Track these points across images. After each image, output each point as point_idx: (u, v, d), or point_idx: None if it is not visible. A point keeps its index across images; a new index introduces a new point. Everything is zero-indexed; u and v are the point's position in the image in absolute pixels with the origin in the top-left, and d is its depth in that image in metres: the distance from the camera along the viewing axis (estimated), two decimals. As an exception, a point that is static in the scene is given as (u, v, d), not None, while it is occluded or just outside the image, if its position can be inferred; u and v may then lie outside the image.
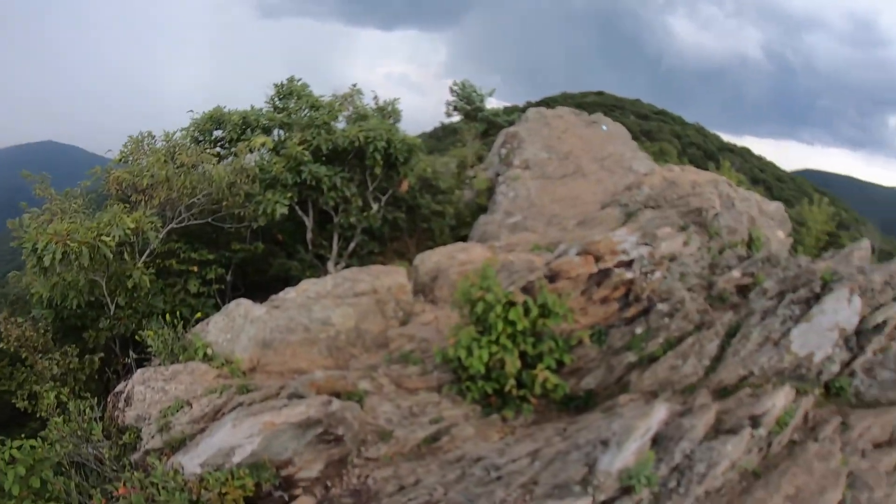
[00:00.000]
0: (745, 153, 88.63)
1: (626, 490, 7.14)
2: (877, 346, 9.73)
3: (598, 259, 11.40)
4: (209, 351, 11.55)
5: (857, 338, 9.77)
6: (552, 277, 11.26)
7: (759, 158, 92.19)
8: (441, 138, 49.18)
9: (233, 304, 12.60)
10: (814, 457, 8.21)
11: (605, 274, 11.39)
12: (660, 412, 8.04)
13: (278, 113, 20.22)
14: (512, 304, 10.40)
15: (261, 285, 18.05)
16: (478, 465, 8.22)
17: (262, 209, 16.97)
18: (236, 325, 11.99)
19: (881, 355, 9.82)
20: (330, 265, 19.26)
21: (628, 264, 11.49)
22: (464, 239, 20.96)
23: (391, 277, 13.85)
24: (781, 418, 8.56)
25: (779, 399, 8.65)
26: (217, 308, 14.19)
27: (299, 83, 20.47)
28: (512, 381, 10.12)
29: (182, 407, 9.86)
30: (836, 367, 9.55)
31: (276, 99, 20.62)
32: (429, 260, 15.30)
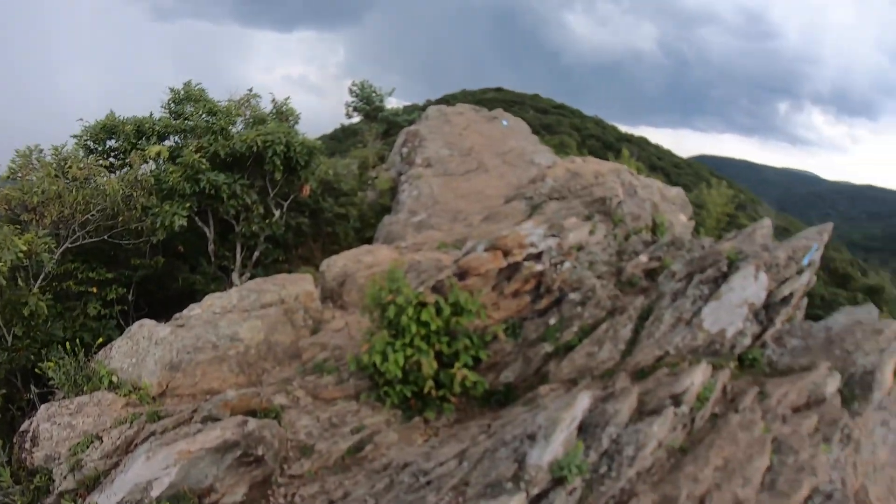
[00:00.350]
0: (642, 142, 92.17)
1: (559, 481, 7.16)
2: (784, 318, 10.30)
3: (506, 253, 11.40)
4: (115, 378, 10.81)
5: (766, 311, 10.22)
6: (462, 275, 11.20)
7: (657, 147, 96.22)
8: (342, 140, 48.83)
9: (135, 325, 11.88)
10: (737, 427, 8.49)
11: (514, 268, 11.41)
12: (583, 401, 8.09)
13: (174, 119, 19.18)
14: (423, 304, 10.29)
15: (165, 302, 17.23)
16: (405, 471, 8.08)
17: (161, 222, 16.12)
18: (141, 348, 11.33)
19: (788, 325, 10.43)
20: (234, 276, 18.62)
21: (537, 256, 11.55)
22: (369, 241, 20.78)
23: (298, 285, 13.47)
24: (701, 394, 8.82)
25: (697, 376, 8.90)
26: (121, 330, 13.40)
27: (196, 87, 19.54)
28: (430, 383, 10.01)
29: (92, 442, 9.18)
30: (747, 341, 10.00)
31: (172, 104, 19.56)
32: (335, 265, 15.04)
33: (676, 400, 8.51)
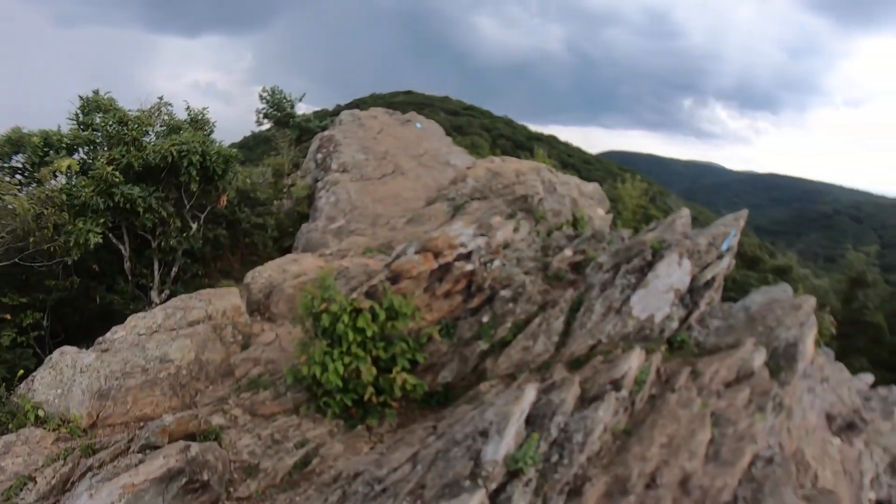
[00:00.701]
0: (552, 140, 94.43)
1: (514, 474, 7.26)
2: (708, 301, 10.86)
3: (437, 255, 11.43)
4: (41, 412, 10.14)
5: (691, 295, 10.72)
6: (394, 279, 11.17)
7: (566, 144, 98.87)
8: (252, 147, 47.85)
9: (56, 353, 11.20)
10: (676, 406, 8.88)
11: (445, 269, 11.46)
12: (530, 394, 8.23)
13: (83, 130, 18.17)
14: (358, 310, 10.23)
15: (82, 326, 16.45)
16: (357, 481, 7.96)
17: (75, 240, 15.26)
18: (66, 378, 10.70)
19: (709, 307, 11.00)
20: (153, 294, 17.94)
21: (467, 256, 11.63)
22: (287, 250, 20.47)
23: (225, 300, 13.11)
24: (638, 377, 9.17)
25: (633, 361, 9.23)
26: (38, 360, 12.68)
27: (106, 96, 18.56)
28: (370, 390, 9.94)
29: (25, 484, 8.54)
30: (675, 324, 10.51)
31: (80, 114, 18.52)
32: (260, 276, 14.74)
33: (616, 385, 8.81)
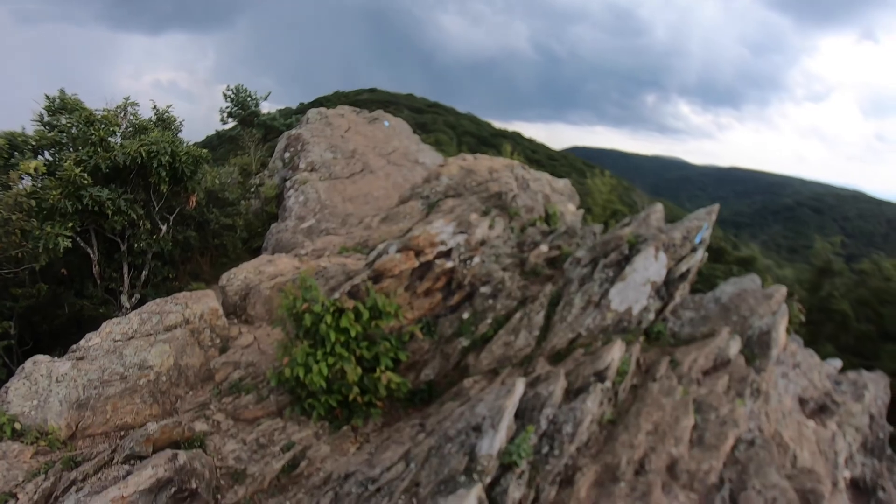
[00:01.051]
0: (516, 137, 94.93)
1: (507, 467, 7.36)
2: (683, 293, 11.05)
3: (418, 253, 11.47)
4: (17, 425, 9.81)
5: (666, 287, 10.95)
6: (376, 278, 11.18)
7: (531, 141, 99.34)
8: (217, 147, 47.20)
9: (29, 363, 10.83)
10: (659, 394, 9.10)
11: (426, 266, 11.50)
12: (520, 388, 8.32)
13: (49, 131, 17.68)
14: (341, 310, 10.17)
15: (52, 334, 16.11)
16: (349, 482, 7.96)
17: (43, 245, 14.85)
18: (41, 388, 10.39)
19: (682, 299, 11.22)
20: (123, 298, 17.59)
21: (447, 254, 11.68)
22: (257, 251, 20.29)
23: (201, 303, 12.87)
24: (621, 368, 9.37)
25: (615, 352, 9.41)
26: (7, 370, 12.35)
27: (72, 96, 18.10)
28: (356, 390, 9.89)
29: (6, 501, 8.33)
30: (651, 316, 10.75)
31: (45, 115, 18.08)
32: (236, 278, 14.58)
33: (600, 376, 8.98)
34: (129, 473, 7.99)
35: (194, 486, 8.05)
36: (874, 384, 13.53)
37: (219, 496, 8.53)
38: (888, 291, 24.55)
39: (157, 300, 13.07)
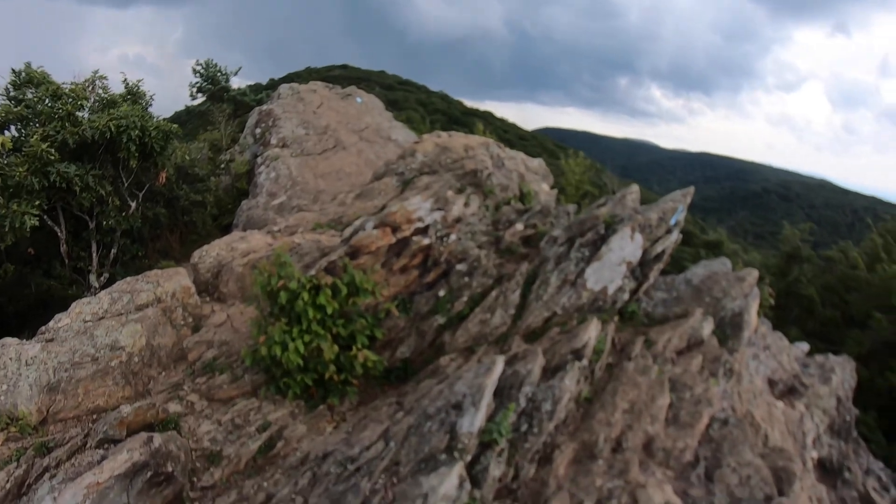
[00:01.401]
0: (488, 116, 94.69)
1: (487, 445, 7.38)
2: (657, 273, 11.13)
3: (395, 229, 11.40)
4: None
5: (641, 268, 11.00)
6: (353, 254, 11.08)
7: (502, 120, 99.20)
8: (185, 122, 46.47)
9: None
10: (634, 373, 9.22)
11: (403, 243, 11.43)
12: (499, 366, 8.31)
13: (15, 106, 17.14)
14: (318, 288, 10.04)
15: (19, 315, 15.72)
16: (327, 461, 7.89)
17: (10, 224, 14.43)
18: (10, 372, 9.99)
19: (652, 280, 11.28)
20: (92, 278, 17.25)
21: (424, 231, 11.62)
22: (227, 228, 20.06)
23: (173, 281, 12.63)
24: (597, 347, 9.44)
25: (591, 331, 9.48)
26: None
27: (38, 70, 17.55)
28: (332, 368, 9.79)
29: None
30: (626, 296, 10.82)
31: (10, 89, 17.56)
32: (208, 255, 14.37)
33: (577, 355, 9.03)
34: (103, 458, 7.78)
35: (170, 469, 7.88)
36: (841, 368, 13.84)
37: (195, 479, 8.37)
38: (854, 279, 25.13)
39: (128, 279, 12.77)
